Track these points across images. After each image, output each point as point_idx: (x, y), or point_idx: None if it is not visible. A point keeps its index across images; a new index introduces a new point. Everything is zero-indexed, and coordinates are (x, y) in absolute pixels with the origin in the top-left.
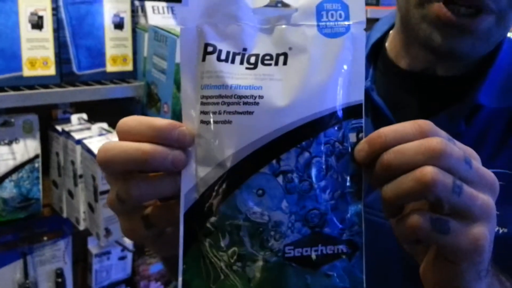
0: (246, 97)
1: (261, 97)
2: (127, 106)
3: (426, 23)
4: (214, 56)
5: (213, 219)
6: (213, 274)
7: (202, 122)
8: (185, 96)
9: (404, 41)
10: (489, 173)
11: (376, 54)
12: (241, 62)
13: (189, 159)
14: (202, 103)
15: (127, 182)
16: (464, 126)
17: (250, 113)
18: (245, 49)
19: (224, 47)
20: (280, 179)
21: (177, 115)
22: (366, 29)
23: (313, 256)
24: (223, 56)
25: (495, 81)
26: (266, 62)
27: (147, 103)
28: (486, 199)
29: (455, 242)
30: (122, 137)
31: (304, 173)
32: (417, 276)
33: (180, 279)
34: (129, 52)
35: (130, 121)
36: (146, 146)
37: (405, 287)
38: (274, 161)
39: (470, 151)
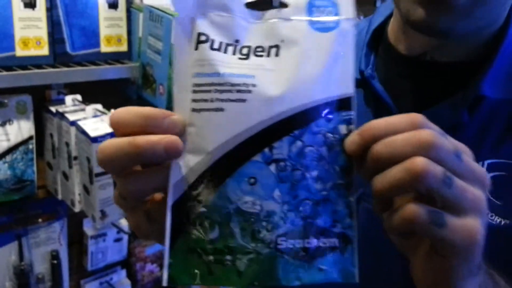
0: (239, 85)
1: (254, 85)
2: (122, 87)
3: None
4: (207, 45)
5: (202, 209)
6: (201, 268)
7: (193, 110)
8: (177, 85)
9: (400, 22)
10: (479, 168)
11: (377, 40)
12: (234, 53)
13: None
14: (194, 91)
15: (125, 178)
16: (468, 117)
17: (243, 100)
18: (237, 41)
19: (217, 37)
20: (272, 167)
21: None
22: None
23: (306, 248)
24: (216, 46)
25: (499, 70)
26: (258, 53)
27: (143, 85)
28: (477, 193)
29: (451, 235)
30: (114, 128)
31: (296, 162)
32: None
33: (165, 274)
34: (123, 32)
35: (121, 112)
36: (137, 139)
37: (404, 274)
38: (266, 149)
39: (461, 146)
